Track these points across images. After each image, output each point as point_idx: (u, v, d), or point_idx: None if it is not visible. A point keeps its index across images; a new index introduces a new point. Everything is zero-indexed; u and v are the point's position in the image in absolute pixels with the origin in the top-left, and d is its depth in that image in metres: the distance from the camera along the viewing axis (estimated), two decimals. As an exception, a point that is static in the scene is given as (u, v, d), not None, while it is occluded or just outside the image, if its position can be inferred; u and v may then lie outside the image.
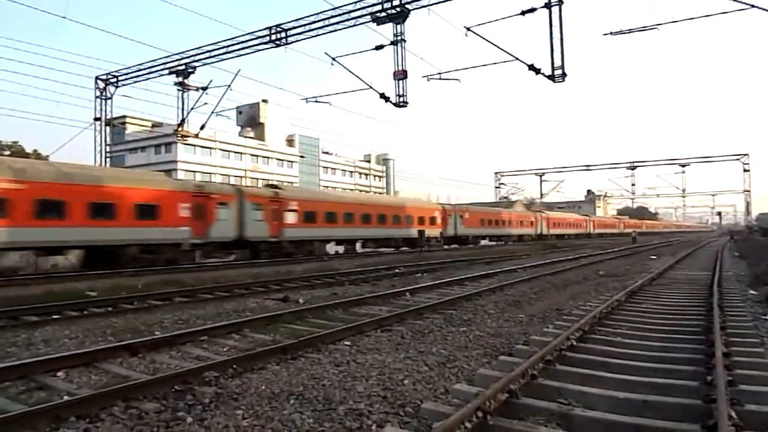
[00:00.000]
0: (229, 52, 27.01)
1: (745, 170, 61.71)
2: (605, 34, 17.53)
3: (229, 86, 27.84)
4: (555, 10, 18.89)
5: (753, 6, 13.16)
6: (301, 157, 75.33)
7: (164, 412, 4.92)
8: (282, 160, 74.48)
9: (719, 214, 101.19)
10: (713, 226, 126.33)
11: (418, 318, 9.70)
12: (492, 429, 4.28)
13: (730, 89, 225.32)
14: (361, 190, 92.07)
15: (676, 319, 9.07)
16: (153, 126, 63.00)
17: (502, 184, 69.37)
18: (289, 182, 75.42)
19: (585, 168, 67.32)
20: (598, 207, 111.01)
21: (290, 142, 77.98)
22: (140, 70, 30.48)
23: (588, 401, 4.91)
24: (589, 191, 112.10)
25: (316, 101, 25.56)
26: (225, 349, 7.51)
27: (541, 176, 67.92)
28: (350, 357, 6.86)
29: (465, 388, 5.33)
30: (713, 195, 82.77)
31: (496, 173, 70.08)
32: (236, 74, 27.71)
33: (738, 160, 61.71)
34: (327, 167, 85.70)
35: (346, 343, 7.69)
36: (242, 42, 26.41)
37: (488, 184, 67.71)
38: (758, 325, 9.10)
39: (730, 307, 10.36)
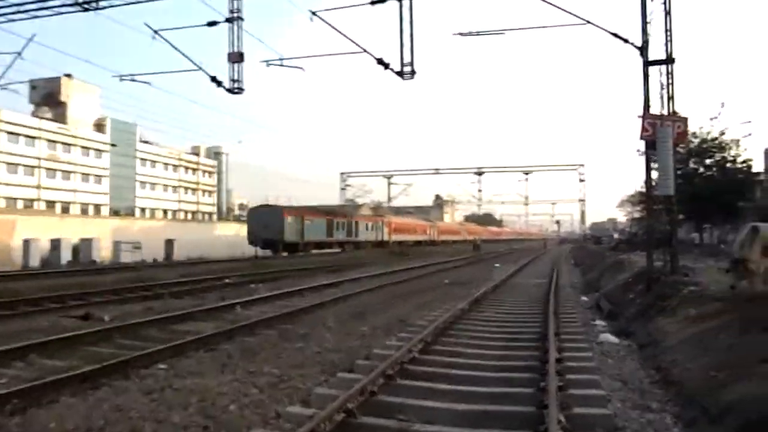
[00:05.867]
0: (21, 12, 24.11)
1: (580, 180, 70.17)
2: (455, 34, 18.77)
3: (19, 54, 24.82)
4: (405, 3, 19.78)
5: (588, 22, 15.00)
6: (113, 145, 69.70)
7: None
8: (88, 148, 68.30)
9: (557, 222, 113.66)
10: (553, 234, 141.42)
11: (249, 335, 9.55)
12: (327, 453, 4.34)
13: (569, 101, 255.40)
14: (187, 188, 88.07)
15: (516, 327, 10.04)
16: None
17: (348, 185, 70.79)
18: (97, 175, 69.62)
19: (434, 171, 71.49)
20: (446, 213, 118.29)
21: (100, 126, 71.88)
22: None
23: (428, 415, 5.20)
24: (437, 196, 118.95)
25: (133, 80, 23.83)
26: (4, 381, 6.69)
27: (389, 178, 70.67)
28: (166, 382, 6.54)
29: (298, 411, 5.35)
30: (553, 203, 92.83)
31: (342, 173, 71.25)
32: (29, 40, 24.83)
33: (575, 170, 70.01)
34: (146, 159, 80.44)
35: (161, 366, 7.31)
36: (40, 1, 23.77)
37: (334, 185, 68.71)
38: (588, 330, 10.40)
39: (565, 313, 11.72)
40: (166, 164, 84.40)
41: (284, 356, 8.02)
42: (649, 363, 7.73)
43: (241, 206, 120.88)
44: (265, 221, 38.00)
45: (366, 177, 72.11)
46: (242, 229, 51.88)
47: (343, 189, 70.35)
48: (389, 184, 70.39)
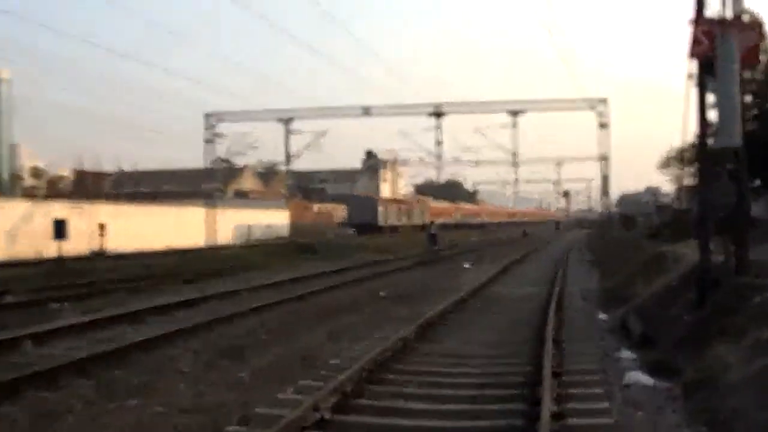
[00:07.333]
0: None
1: (601, 125, 70.04)
2: None
3: None
4: None
5: None
6: None
7: None
8: None
9: (566, 194, 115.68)
10: (558, 212, 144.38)
11: (46, 387, 9.41)
12: None
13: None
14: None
15: (492, 366, 10.22)
16: None
17: (219, 135, 68.83)
18: None
19: (363, 111, 70.51)
20: (384, 181, 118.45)
21: None
22: None
23: None
24: (369, 153, 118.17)
25: None
26: None
27: (287, 123, 69.41)
28: None
29: None
30: (558, 164, 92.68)
31: (207, 116, 69.25)
32: None
33: (592, 109, 69.63)
34: None
35: None
36: None
37: (195, 137, 65.84)
38: (607, 367, 10.67)
39: (571, 340, 12.05)
40: None
41: (105, 422, 7.96)
42: (700, 415, 8.00)
43: (35, 171, 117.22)
44: (361, 208, 77.88)
45: (249, 122, 70.32)
46: (37, 211, 50.72)
47: (209, 141, 68.35)
48: (288, 132, 69.31)
